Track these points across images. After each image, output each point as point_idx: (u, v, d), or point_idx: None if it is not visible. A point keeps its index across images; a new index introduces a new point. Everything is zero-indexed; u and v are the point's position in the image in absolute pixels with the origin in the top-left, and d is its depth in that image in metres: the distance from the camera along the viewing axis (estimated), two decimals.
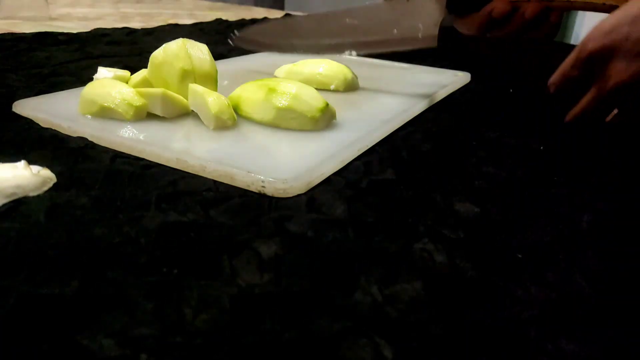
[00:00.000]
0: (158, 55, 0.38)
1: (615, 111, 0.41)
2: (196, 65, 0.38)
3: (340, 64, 0.49)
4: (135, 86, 0.39)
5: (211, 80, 0.39)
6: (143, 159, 0.32)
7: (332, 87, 0.48)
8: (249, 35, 0.53)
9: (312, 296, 0.20)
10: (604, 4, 0.39)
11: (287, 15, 1.22)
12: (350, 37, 0.47)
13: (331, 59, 0.50)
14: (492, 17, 0.42)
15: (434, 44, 0.45)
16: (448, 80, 0.55)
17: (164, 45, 0.38)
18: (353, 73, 0.49)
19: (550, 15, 0.41)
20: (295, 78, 0.47)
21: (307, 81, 0.46)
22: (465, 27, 0.45)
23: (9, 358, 0.16)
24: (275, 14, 1.29)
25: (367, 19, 0.47)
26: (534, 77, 0.61)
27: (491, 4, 0.42)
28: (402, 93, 0.49)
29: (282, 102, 0.36)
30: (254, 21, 1.04)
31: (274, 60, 0.60)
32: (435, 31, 0.44)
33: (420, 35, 0.44)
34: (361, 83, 0.51)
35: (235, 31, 0.54)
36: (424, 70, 0.60)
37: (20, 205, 0.25)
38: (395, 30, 0.45)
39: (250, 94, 0.38)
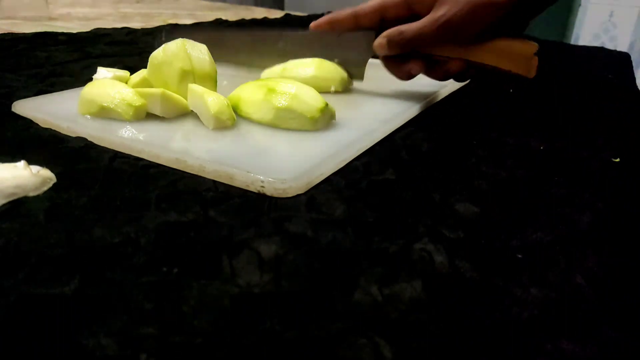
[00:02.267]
0: (157, 55, 0.38)
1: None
2: (196, 65, 0.38)
3: (332, 63, 0.48)
4: (134, 86, 0.39)
5: (210, 81, 0.39)
6: (142, 159, 0.32)
7: (332, 88, 0.47)
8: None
9: (312, 296, 0.20)
10: (509, 71, 0.41)
11: (286, 14, 1.22)
12: (279, 60, 0.49)
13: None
14: (412, 73, 0.45)
15: (361, 79, 0.48)
16: (448, 80, 0.55)
17: (163, 45, 0.38)
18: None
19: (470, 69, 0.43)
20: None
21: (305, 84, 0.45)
22: (391, 71, 0.47)
23: (9, 358, 0.16)
24: (275, 14, 1.29)
25: (299, 46, 0.49)
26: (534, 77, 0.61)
27: (409, 65, 0.44)
28: (402, 93, 0.49)
29: (281, 102, 0.36)
30: (253, 21, 1.04)
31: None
32: (363, 69, 0.47)
33: (349, 70, 0.48)
34: (361, 83, 0.51)
35: (164, 34, 0.54)
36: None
37: (20, 205, 0.25)
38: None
39: (249, 94, 0.38)
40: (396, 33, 0.43)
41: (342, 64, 0.47)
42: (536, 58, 0.40)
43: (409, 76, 0.45)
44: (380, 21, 0.45)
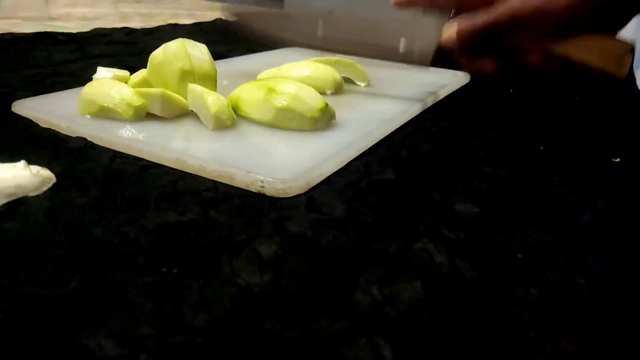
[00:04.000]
0: (157, 55, 0.38)
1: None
2: (195, 65, 0.38)
3: (325, 66, 0.48)
4: (134, 86, 0.39)
5: (210, 80, 0.39)
6: (142, 159, 0.32)
7: (328, 92, 0.47)
8: (243, 14, 0.52)
9: (312, 296, 0.20)
10: (600, 67, 0.40)
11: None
12: (346, 36, 0.46)
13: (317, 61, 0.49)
14: (485, 70, 0.43)
15: (426, 65, 0.45)
16: (448, 80, 0.55)
17: (163, 45, 0.38)
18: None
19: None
20: None
21: None
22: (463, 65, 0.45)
23: (9, 358, 0.16)
24: None
25: (368, 24, 0.47)
26: (534, 77, 0.61)
27: (482, 61, 0.42)
28: (402, 93, 0.49)
29: (281, 102, 0.36)
30: None
31: (274, 61, 0.60)
32: (429, 55, 0.44)
33: (416, 53, 0.45)
34: (361, 84, 0.51)
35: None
36: (424, 70, 0.60)
37: (20, 205, 0.25)
38: (393, 41, 0.46)
39: (249, 94, 0.38)
40: (467, 24, 0.39)
41: (408, 49, 0.45)
42: (630, 56, 0.39)
43: (479, 74, 0.42)
44: (456, 6, 0.42)
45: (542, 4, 0.36)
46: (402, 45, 0.45)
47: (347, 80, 0.51)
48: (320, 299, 0.20)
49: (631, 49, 0.39)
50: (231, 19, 0.51)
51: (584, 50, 0.39)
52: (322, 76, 0.47)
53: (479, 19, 0.38)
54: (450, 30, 0.41)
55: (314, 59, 0.50)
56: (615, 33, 0.40)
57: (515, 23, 0.37)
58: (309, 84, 0.45)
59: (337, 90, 0.48)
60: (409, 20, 0.45)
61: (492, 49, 0.40)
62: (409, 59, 0.45)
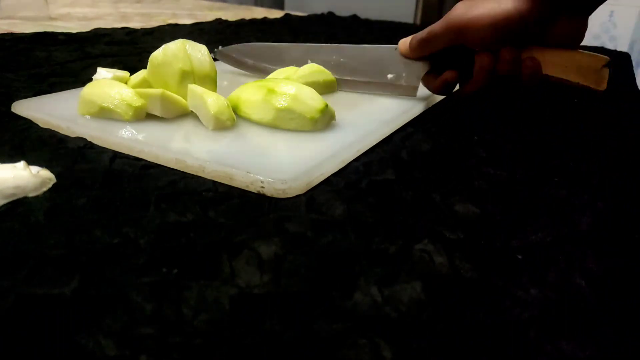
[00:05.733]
0: (157, 55, 0.38)
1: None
2: (195, 65, 0.38)
3: (314, 65, 0.48)
4: (134, 86, 0.39)
5: (210, 81, 0.39)
6: (142, 160, 0.32)
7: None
8: (231, 52, 0.54)
9: (312, 296, 0.20)
10: (578, 83, 0.40)
11: (286, 14, 1.22)
12: (335, 73, 0.49)
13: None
14: (448, 81, 0.44)
15: (413, 95, 0.47)
16: None
17: (163, 45, 0.38)
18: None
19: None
20: None
21: None
22: (429, 87, 0.47)
23: (9, 358, 0.16)
24: (275, 14, 1.29)
25: (354, 59, 0.49)
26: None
27: (444, 75, 0.44)
28: None
29: (281, 102, 0.36)
30: (253, 21, 1.04)
31: None
32: (417, 84, 0.46)
33: (403, 84, 0.47)
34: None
35: (220, 46, 0.55)
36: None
37: (19, 205, 0.25)
38: (379, 75, 0.48)
39: (249, 95, 0.38)
40: (418, 33, 0.43)
41: (395, 80, 0.47)
42: (606, 70, 0.39)
43: (445, 86, 0.44)
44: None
45: (467, 21, 0.39)
46: (389, 78, 0.47)
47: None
48: (320, 299, 0.20)
49: (607, 63, 0.39)
50: (224, 60, 0.54)
51: (560, 69, 0.40)
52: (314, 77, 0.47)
53: (423, 31, 0.43)
54: (405, 40, 0.45)
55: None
56: (586, 19, 0.40)
57: (454, 32, 0.40)
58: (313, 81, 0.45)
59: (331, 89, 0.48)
60: (395, 56, 0.47)
61: (456, 64, 0.43)
62: (395, 91, 0.47)
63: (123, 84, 0.38)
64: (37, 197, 0.26)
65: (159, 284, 0.20)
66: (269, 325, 0.18)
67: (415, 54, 0.44)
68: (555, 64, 0.40)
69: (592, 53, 0.40)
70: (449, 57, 0.44)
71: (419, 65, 0.45)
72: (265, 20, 1.09)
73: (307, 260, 0.22)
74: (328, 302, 0.20)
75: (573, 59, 0.40)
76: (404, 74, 0.46)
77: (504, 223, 0.27)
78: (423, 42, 0.43)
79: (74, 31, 0.74)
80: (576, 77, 0.40)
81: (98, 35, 0.73)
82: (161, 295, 0.19)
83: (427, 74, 0.45)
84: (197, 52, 0.38)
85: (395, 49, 0.46)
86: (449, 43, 0.41)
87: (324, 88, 0.47)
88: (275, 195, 0.28)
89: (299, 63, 0.49)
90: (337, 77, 0.49)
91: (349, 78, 0.49)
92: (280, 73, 0.47)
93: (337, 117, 0.39)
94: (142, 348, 0.17)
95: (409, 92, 0.47)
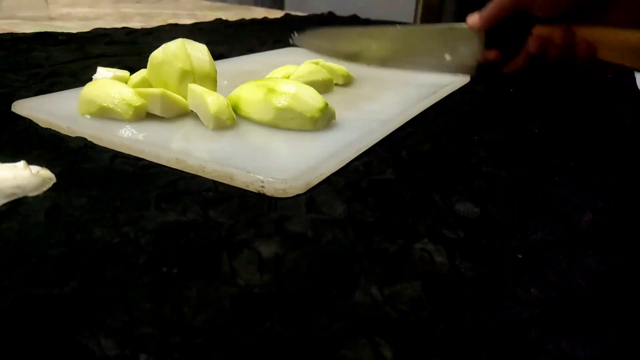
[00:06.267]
0: (157, 55, 0.38)
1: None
2: (195, 65, 0.38)
3: (311, 64, 0.48)
4: (134, 86, 0.39)
5: (210, 81, 0.39)
6: (142, 159, 0.32)
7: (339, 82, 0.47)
8: (310, 37, 0.53)
9: (312, 296, 0.20)
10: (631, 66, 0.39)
11: (286, 14, 1.22)
12: (398, 54, 0.47)
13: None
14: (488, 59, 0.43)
15: (473, 74, 0.45)
16: (448, 80, 0.55)
17: (163, 45, 0.38)
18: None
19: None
20: None
21: None
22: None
23: (9, 358, 0.16)
24: (275, 14, 1.29)
25: (411, 37, 0.48)
26: (534, 77, 0.61)
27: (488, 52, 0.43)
28: (402, 93, 0.49)
29: (281, 102, 0.36)
30: (253, 21, 1.04)
31: (274, 61, 0.61)
32: (474, 64, 0.45)
33: (459, 63, 0.45)
34: (361, 83, 0.51)
35: (295, 32, 0.55)
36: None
37: (19, 205, 0.25)
38: (438, 55, 0.46)
39: (249, 94, 0.38)
40: (486, 7, 0.42)
41: (454, 58, 0.45)
42: None
43: (486, 62, 0.43)
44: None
45: None
46: (447, 58, 0.46)
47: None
48: (320, 299, 0.20)
49: None
50: (304, 46, 0.52)
51: (616, 54, 0.38)
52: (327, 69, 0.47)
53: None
54: (473, 16, 0.43)
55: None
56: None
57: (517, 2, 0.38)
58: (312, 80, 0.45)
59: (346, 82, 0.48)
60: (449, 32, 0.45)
61: (518, 39, 0.41)
62: (453, 69, 0.46)
63: (123, 84, 0.38)
64: (37, 196, 0.26)
65: (159, 284, 0.20)
66: (269, 325, 0.18)
67: (486, 23, 0.42)
68: (611, 47, 0.38)
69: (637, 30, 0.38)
70: (502, 33, 0.43)
71: (476, 41, 0.44)
72: (265, 20, 1.08)
73: (308, 260, 0.22)
74: (328, 302, 0.20)
75: (632, 40, 0.38)
76: (463, 52, 0.45)
77: (504, 223, 0.27)
78: (493, 9, 0.41)
79: (74, 31, 0.74)
80: (632, 60, 0.38)
81: (98, 35, 0.73)
82: (161, 295, 0.19)
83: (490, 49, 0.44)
84: (197, 52, 0.38)
85: (455, 28, 0.45)
86: (516, 3, 0.40)
87: (322, 87, 0.47)
88: (276, 195, 0.28)
89: (369, 48, 0.48)
90: (399, 59, 0.47)
91: (412, 59, 0.47)
92: (278, 72, 0.47)
93: (337, 116, 0.39)
94: (143, 347, 0.17)
95: (468, 70, 0.45)
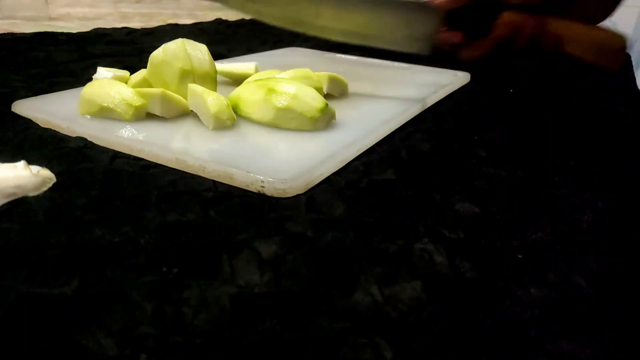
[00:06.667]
0: (157, 55, 0.38)
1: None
2: (195, 65, 0.38)
3: (300, 70, 0.45)
4: (134, 86, 0.39)
5: (210, 80, 0.39)
6: (142, 159, 0.32)
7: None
8: None
9: (312, 296, 0.20)
10: (590, 60, 0.39)
11: None
12: (341, 24, 0.45)
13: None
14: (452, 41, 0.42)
15: (426, 51, 0.44)
16: (448, 80, 0.55)
17: (163, 45, 0.38)
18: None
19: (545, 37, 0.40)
20: None
21: None
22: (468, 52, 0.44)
23: (9, 358, 0.16)
24: None
25: (362, 7, 0.45)
26: (534, 77, 0.61)
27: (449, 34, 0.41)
28: (402, 93, 0.49)
29: (281, 102, 0.36)
30: (253, 21, 1.04)
31: (273, 61, 0.61)
32: (431, 40, 0.44)
33: (412, 40, 0.44)
34: (361, 83, 0.51)
35: None
36: (424, 70, 0.60)
37: (19, 205, 0.25)
38: (391, 29, 0.44)
39: (249, 94, 0.38)
40: None
41: (408, 34, 0.44)
42: (623, 51, 0.38)
43: (448, 45, 0.42)
44: None
45: None
46: (403, 34, 0.44)
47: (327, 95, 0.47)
48: (320, 299, 0.20)
49: (624, 43, 0.38)
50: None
51: (580, 46, 0.39)
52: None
53: None
54: None
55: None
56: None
57: None
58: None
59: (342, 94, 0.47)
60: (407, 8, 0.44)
61: (484, 23, 0.41)
62: (406, 46, 0.44)
63: (123, 84, 0.38)
64: (37, 196, 0.26)
65: (159, 284, 0.20)
66: (269, 325, 0.18)
67: (452, 2, 0.42)
68: (576, 41, 0.38)
69: (613, 31, 0.38)
70: (467, 16, 0.42)
71: (434, 18, 0.43)
72: None
73: (307, 259, 0.22)
74: (328, 302, 0.20)
75: (595, 36, 0.38)
76: (418, 28, 0.44)
77: (504, 223, 0.27)
78: None
79: (74, 31, 0.74)
80: (594, 56, 0.38)
81: (98, 35, 0.73)
82: (161, 295, 0.19)
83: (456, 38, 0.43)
84: (197, 52, 0.38)
85: (413, 1, 0.44)
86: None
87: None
88: (276, 195, 0.28)
89: (309, 12, 0.45)
90: (342, 27, 0.45)
91: (363, 32, 0.45)
92: (263, 75, 0.46)
93: (337, 116, 0.39)
94: (143, 347, 0.17)
95: (422, 47, 0.44)
